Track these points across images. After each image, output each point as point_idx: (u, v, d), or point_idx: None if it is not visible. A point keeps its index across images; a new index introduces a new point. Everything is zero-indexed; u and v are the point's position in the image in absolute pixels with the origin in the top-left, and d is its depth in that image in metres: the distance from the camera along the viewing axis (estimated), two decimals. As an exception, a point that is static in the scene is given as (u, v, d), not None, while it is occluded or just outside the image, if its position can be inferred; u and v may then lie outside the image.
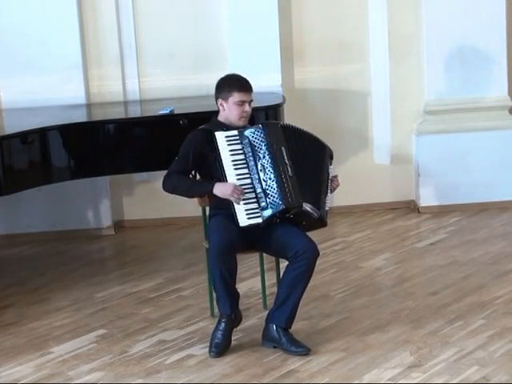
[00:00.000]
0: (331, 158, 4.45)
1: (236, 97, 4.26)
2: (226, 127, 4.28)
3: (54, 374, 4.09)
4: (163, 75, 6.23)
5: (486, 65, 6.31)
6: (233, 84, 4.30)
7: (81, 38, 6.05)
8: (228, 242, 4.10)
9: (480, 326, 4.35)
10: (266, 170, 4.18)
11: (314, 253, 4.14)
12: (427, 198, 6.43)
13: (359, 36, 6.39)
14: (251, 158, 4.19)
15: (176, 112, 5.29)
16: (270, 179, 4.17)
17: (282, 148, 4.21)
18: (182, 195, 4.42)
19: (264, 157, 4.19)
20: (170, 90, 6.11)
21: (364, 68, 6.44)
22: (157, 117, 5.30)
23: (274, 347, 4.19)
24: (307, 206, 4.20)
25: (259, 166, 4.19)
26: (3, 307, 4.96)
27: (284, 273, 4.20)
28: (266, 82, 5.92)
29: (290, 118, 5.56)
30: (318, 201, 4.26)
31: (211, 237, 4.19)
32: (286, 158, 4.21)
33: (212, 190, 4.23)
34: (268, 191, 4.16)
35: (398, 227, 6.18)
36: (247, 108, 4.28)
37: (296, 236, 4.18)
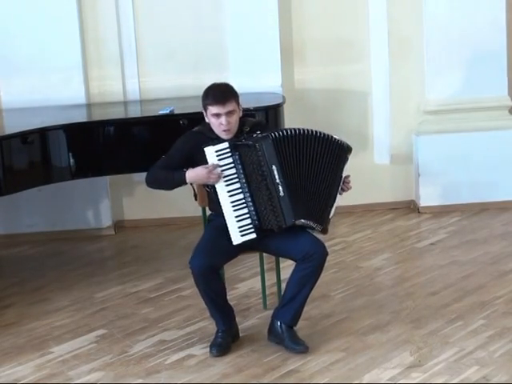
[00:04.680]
0: (347, 153, 4.18)
1: (211, 110, 4.14)
2: (216, 136, 4.17)
3: (54, 374, 4.09)
4: (163, 75, 6.23)
5: (486, 65, 6.31)
6: (207, 97, 4.18)
7: (81, 38, 6.05)
8: (208, 268, 4.04)
9: (480, 326, 4.35)
10: (256, 192, 4.08)
11: (323, 254, 4.12)
12: (427, 198, 6.43)
13: (359, 36, 6.39)
14: (242, 175, 4.08)
15: (176, 112, 5.29)
16: (261, 199, 4.08)
17: (273, 167, 4.06)
18: (162, 188, 4.35)
19: (254, 177, 4.08)
20: (169, 90, 6.10)
21: (364, 68, 6.43)
22: (157, 117, 5.30)
23: (277, 343, 4.21)
24: (301, 222, 4.12)
25: (251, 184, 4.08)
26: (3, 307, 4.96)
27: (292, 272, 4.18)
28: (266, 82, 5.94)
29: (290, 117, 5.57)
30: (318, 212, 4.14)
31: (192, 257, 4.10)
32: (276, 177, 4.07)
33: (185, 180, 4.16)
34: (259, 210, 4.08)
35: (397, 227, 6.18)
36: (223, 120, 4.10)
37: (302, 236, 4.13)
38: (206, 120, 4.23)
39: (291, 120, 5.56)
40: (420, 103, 6.45)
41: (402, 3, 6.34)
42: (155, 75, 6.24)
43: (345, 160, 4.19)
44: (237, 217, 4.10)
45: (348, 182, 4.24)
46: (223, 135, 4.16)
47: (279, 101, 5.54)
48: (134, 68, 6.24)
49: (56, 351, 4.34)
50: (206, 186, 4.25)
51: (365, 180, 6.46)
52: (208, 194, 4.31)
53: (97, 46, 6.17)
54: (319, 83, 6.44)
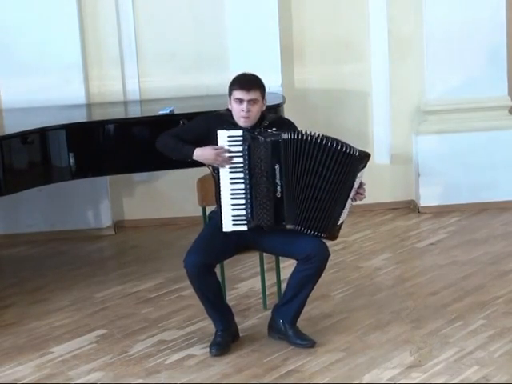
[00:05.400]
0: (363, 162, 4.10)
1: (234, 94, 4.15)
2: (235, 123, 4.17)
3: (53, 374, 4.09)
4: (163, 75, 6.23)
5: (486, 65, 6.31)
6: (234, 82, 4.21)
7: (81, 38, 6.05)
8: (202, 266, 4.05)
9: (480, 326, 4.35)
10: (255, 186, 4.09)
11: (325, 255, 4.12)
12: (427, 198, 6.43)
13: (359, 36, 6.39)
14: (247, 166, 4.09)
15: (176, 112, 5.28)
16: (258, 194, 4.09)
17: (276, 166, 4.06)
18: (168, 154, 4.30)
19: (257, 171, 4.08)
20: (169, 90, 6.11)
21: (364, 68, 6.44)
22: (157, 117, 5.30)
23: (280, 338, 4.23)
24: (292, 227, 4.11)
25: (252, 177, 4.09)
26: (3, 307, 4.96)
27: (293, 271, 4.19)
28: (266, 82, 5.89)
29: (290, 117, 5.54)
30: (317, 221, 4.10)
31: (186, 254, 4.10)
32: (277, 177, 4.07)
33: (192, 155, 4.15)
34: (254, 204, 4.09)
35: (397, 227, 6.18)
36: (244, 107, 4.11)
37: (305, 237, 4.12)
38: (229, 107, 4.22)
39: (291, 120, 5.55)
40: (420, 103, 6.46)
41: (402, 3, 6.35)
42: (155, 75, 6.25)
43: (356, 170, 4.10)
44: (233, 205, 4.11)
45: (361, 193, 4.20)
46: (241, 122, 4.15)
47: (279, 101, 5.53)
48: (134, 68, 6.24)
49: (56, 351, 4.34)
50: (213, 170, 4.24)
51: (365, 180, 6.45)
52: (214, 181, 4.29)
53: (97, 46, 6.17)
54: (319, 83, 6.44)
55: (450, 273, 5.17)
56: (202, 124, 4.28)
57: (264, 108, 4.25)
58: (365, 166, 4.15)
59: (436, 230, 6.02)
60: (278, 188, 4.10)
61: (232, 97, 4.18)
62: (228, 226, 4.12)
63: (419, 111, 6.47)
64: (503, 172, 6.38)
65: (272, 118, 4.32)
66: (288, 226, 4.12)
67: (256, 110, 4.16)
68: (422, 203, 6.44)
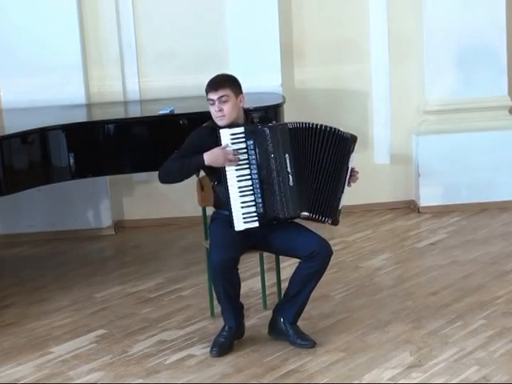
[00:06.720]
0: (353, 144, 4.21)
1: (207, 96, 4.18)
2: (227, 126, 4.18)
3: (53, 374, 4.09)
4: (163, 75, 6.23)
5: (486, 65, 6.31)
6: (206, 85, 4.21)
7: (81, 38, 6.06)
8: (230, 261, 4.05)
9: (480, 326, 4.35)
10: (266, 179, 4.11)
11: (328, 253, 4.15)
12: (427, 198, 6.43)
13: (359, 36, 6.39)
14: (254, 160, 4.11)
15: (176, 112, 5.29)
16: (270, 186, 4.11)
17: (286, 155, 4.11)
18: (176, 179, 4.26)
19: (266, 164, 4.11)
20: (169, 90, 6.11)
21: (364, 68, 6.44)
22: (157, 117, 5.30)
23: (280, 339, 4.23)
24: (305, 216, 4.14)
25: (261, 170, 4.11)
26: (3, 307, 4.96)
27: (296, 269, 4.19)
28: (266, 82, 5.94)
29: (290, 117, 5.56)
30: (326, 206, 4.16)
31: (211, 252, 4.12)
32: (288, 166, 4.11)
33: (203, 162, 4.13)
34: (266, 197, 4.10)
35: (397, 227, 6.18)
36: (216, 106, 4.12)
37: (308, 234, 4.16)
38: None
39: (291, 120, 5.54)
40: (420, 103, 6.46)
41: (402, 3, 6.35)
42: (155, 75, 6.25)
43: (349, 152, 4.20)
44: (242, 203, 4.11)
45: (353, 175, 4.26)
46: (218, 121, 4.17)
47: (279, 101, 5.54)
48: (134, 68, 6.24)
49: (56, 351, 4.34)
50: (212, 178, 4.25)
51: (365, 180, 6.42)
52: (213, 189, 4.31)
53: (97, 46, 6.17)
54: (319, 83, 6.44)
55: (450, 273, 5.17)
56: (195, 140, 4.26)
57: (242, 104, 4.23)
58: (354, 149, 4.22)
59: (436, 230, 6.02)
60: (290, 177, 4.12)
61: (208, 100, 4.20)
62: (239, 225, 4.11)
63: (419, 111, 6.47)
64: (503, 172, 6.38)
65: (261, 117, 4.38)
66: (303, 214, 4.14)
67: (229, 107, 4.15)
68: (422, 203, 6.44)
